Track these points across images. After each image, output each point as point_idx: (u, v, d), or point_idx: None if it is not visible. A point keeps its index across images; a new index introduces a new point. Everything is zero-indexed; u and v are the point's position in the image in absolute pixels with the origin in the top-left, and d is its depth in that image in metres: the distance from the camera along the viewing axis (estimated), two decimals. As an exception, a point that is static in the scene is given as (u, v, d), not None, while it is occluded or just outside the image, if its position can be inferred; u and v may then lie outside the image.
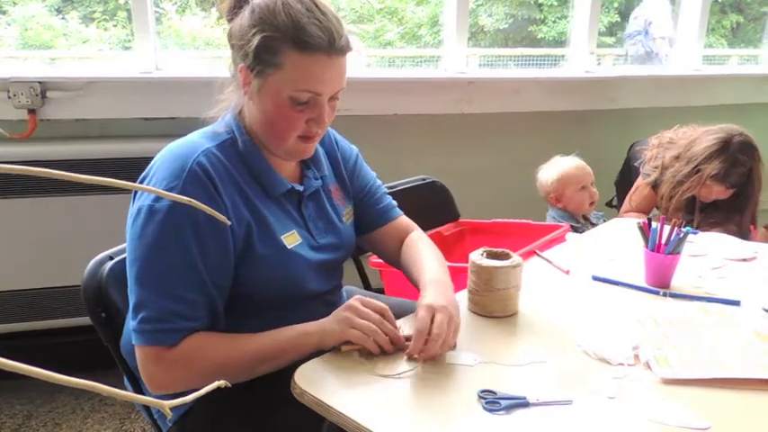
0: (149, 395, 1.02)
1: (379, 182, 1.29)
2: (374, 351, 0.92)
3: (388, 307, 0.97)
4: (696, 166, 1.83)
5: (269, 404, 0.96)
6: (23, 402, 1.97)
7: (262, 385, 0.95)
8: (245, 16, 0.98)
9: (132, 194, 0.99)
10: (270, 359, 0.95)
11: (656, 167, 1.99)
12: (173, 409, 0.37)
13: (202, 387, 0.38)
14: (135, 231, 0.93)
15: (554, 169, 2.02)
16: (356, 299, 0.97)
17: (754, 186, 1.85)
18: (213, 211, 0.44)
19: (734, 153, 1.80)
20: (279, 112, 0.98)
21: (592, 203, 2.02)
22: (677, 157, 1.91)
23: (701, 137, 1.88)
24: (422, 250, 1.18)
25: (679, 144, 1.94)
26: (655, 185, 1.99)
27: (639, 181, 2.07)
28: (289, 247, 1.04)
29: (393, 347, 0.94)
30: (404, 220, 1.29)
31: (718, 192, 1.85)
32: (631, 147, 2.37)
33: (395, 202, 1.30)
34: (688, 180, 1.85)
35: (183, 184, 0.93)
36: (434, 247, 1.21)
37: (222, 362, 0.94)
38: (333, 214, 1.16)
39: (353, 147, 1.28)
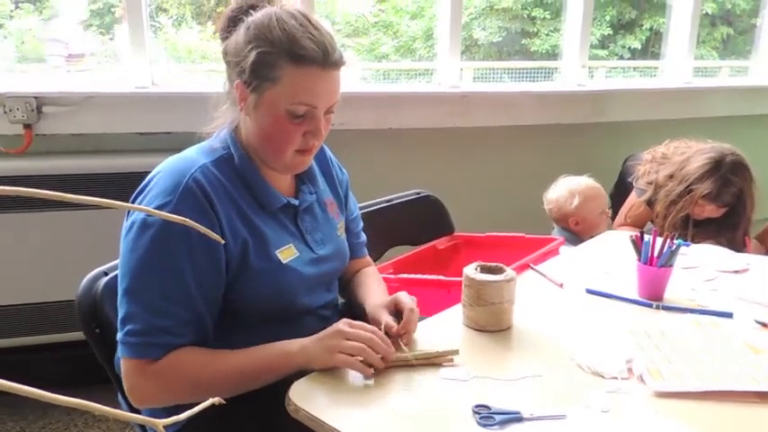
0: (144, 412, 1.02)
1: (359, 214, 1.33)
2: (365, 373, 0.91)
3: (377, 329, 0.97)
4: (688, 186, 1.86)
5: (263, 421, 0.96)
6: (16, 419, 1.96)
7: (256, 401, 0.95)
8: (240, 33, 0.99)
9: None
10: (251, 379, 0.95)
11: (650, 183, 2.00)
12: (164, 426, 0.37)
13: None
14: (127, 245, 0.94)
15: (574, 192, 1.99)
16: (344, 322, 0.96)
17: (746, 205, 1.87)
18: (206, 229, 0.44)
19: (725, 174, 1.82)
20: (276, 126, 0.99)
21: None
22: (671, 176, 1.93)
23: (694, 156, 1.90)
24: (377, 283, 1.26)
25: (673, 162, 1.96)
26: (649, 202, 2.00)
27: (633, 197, 2.08)
28: (284, 262, 1.04)
29: (384, 364, 0.93)
30: (368, 258, 1.35)
31: (710, 210, 1.88)
32: (626, 161, 2.38)
33: (365, 240, 1.34)
34: (681, 200, 1.87)
35: (176, 199, 0.94)
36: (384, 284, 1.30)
37: (202, 378, 0.94)
38: (329, 226, 1.17)
39: (345, 171, 1.29)
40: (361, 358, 0.91)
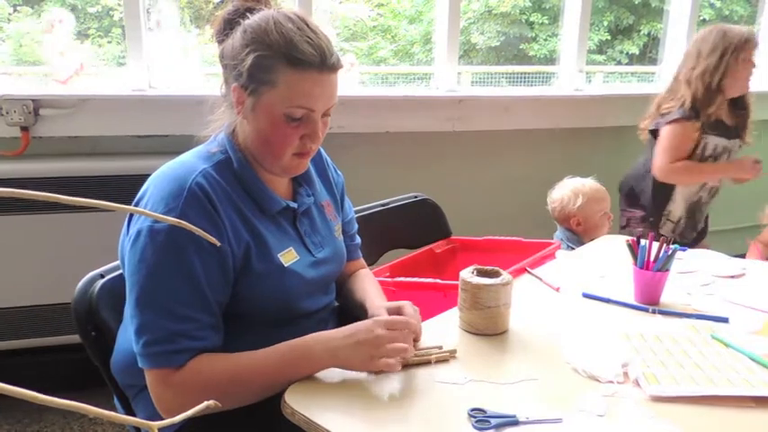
0: (140, 414, 1.01)
1: (353, 216, 1.33)
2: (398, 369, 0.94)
3: (407, 319, 0.99)
4: (723, 51, 2.03)
5: (260, 423, 0.96)
6: (11, 422, 1.95)
7: (253, 404, 0.94)
8: (236, 37, 0.99)
9: (127, 216, 0.99)
10: (279, 381, 0.93)
11: (676, 105, 2.08)
12: (161, 429, 0.37)
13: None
14: (135, 254, 0.93)
15: (578, 193, 2.00)
16: (376, 323, 0.95)
17: None
18: (204, 233, 0.44)
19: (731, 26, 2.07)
20: (274, 129, 0.99)
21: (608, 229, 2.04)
22: (689, 81, 2.06)
23: (699, 47, 2.08)
24: (373, 283, 1.26)
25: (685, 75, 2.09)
26: (686, 117, 2.06)
27: (669, 129, 2.09)
28: (286, 265, 1.04)
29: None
30: (361, 261, 1.35)
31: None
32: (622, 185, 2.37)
33: (359, 242, 1.34)
34: (721, 63, 2.03)
35: (182, 205, 0.93)
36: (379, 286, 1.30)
37: (229, 382, 0.93)
38: (327, 228, 1.17)
39: (340, 173, 1.30)
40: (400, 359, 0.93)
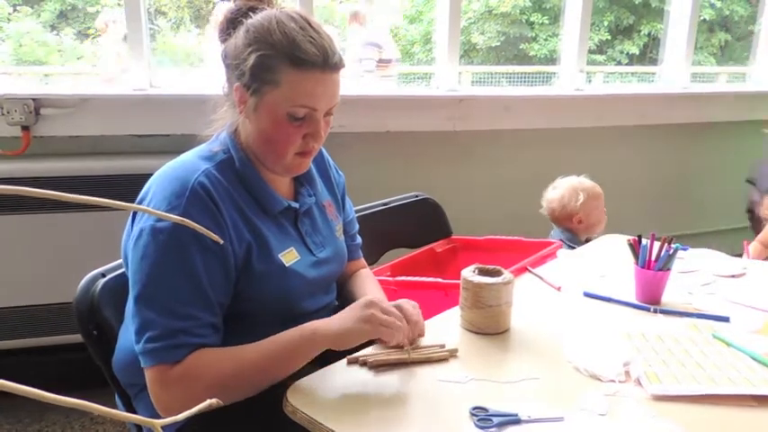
0: (141, 413, 1.01)
1: (354, 216, 1.33)
2: (400, 343, 0.96)
3: (400, 305, 0.99)
4: None
5: (261, 421, 0.96)
6: (12, 422, 1.95)
7: (254, 402, 0.94)
8: (239, 36, 0.99)
9: (131, 216, 0.99)
10: (277, 367, 0.93)
11: None
12: (164, 427, 0.37)
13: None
14: (138, 253, 0.93)
15: (578, 190, 2.01)
16: (364, 299, 0.97)
17: None
18: (206, 230, 0.44)
19: None
20: (276, 128, 0.99)
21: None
22: None
23: None
24: (374, 284, 1.27)
25: None
26: None
27: None
28: (287, 265, 1.04)
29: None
30: (362, 261, 1.35)
31: None
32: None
33: (360, 242, 1.34)
34: None
35: (185, 204, 0.93)
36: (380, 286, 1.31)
37: (227, 375, 0.93)
38: (328, 228, 1.17)
39: (341, 173, 1.30)
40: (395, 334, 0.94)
